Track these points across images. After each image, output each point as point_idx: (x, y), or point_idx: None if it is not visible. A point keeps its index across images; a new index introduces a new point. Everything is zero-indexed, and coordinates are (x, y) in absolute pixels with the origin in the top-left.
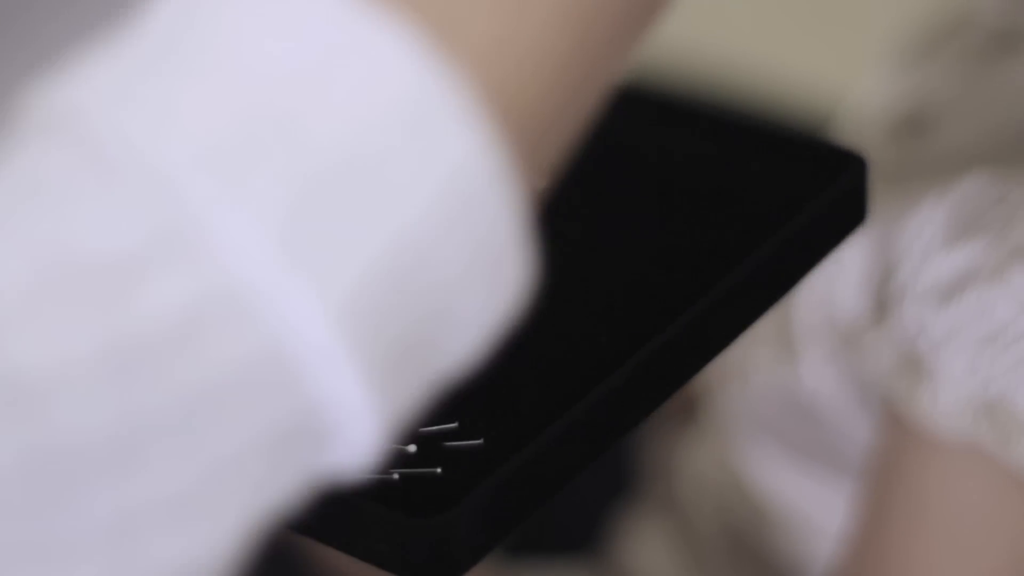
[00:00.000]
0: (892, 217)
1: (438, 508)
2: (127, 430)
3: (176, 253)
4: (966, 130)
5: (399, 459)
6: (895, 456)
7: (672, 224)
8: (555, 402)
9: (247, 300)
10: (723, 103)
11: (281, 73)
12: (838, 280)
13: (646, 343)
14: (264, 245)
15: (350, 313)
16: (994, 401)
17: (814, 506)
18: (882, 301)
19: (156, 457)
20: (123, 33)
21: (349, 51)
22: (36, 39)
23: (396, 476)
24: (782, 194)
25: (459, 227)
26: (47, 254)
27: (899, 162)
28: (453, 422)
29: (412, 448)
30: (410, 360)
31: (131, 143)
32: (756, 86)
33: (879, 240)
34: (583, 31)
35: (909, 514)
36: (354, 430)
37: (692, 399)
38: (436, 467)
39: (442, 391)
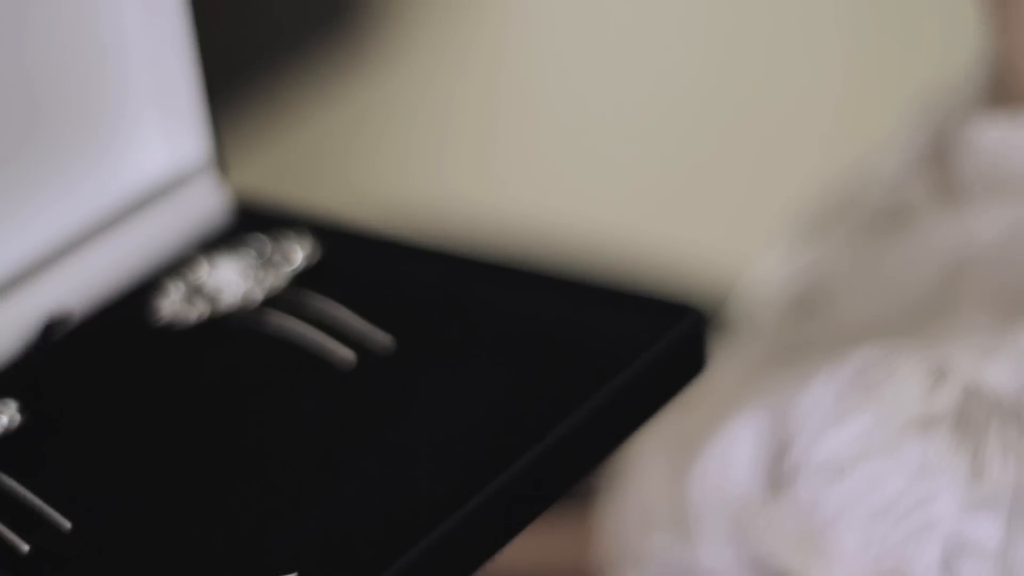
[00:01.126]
0: (787, 395)
1: None
2: None
3: None
4: (858, 305)
5: None
6: None
7: (509, 377)
8: (390, 549)
9: None
10: (565, 265)
11: None
12: (732, 461)
13: (480, 490)
14: None
15: None
16: (887, 575)
17: None
18: (776, 479)
19: None
20: None
21: None
22: None
23: None
24: (619, 347)
25: None
26: None
27: (795, 342)
28: (293, 572)
29: None
30: None
31: None
32: (654, 265)
33: (773, 418)
34: None
35: None
36: None
37: None
38: None
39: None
